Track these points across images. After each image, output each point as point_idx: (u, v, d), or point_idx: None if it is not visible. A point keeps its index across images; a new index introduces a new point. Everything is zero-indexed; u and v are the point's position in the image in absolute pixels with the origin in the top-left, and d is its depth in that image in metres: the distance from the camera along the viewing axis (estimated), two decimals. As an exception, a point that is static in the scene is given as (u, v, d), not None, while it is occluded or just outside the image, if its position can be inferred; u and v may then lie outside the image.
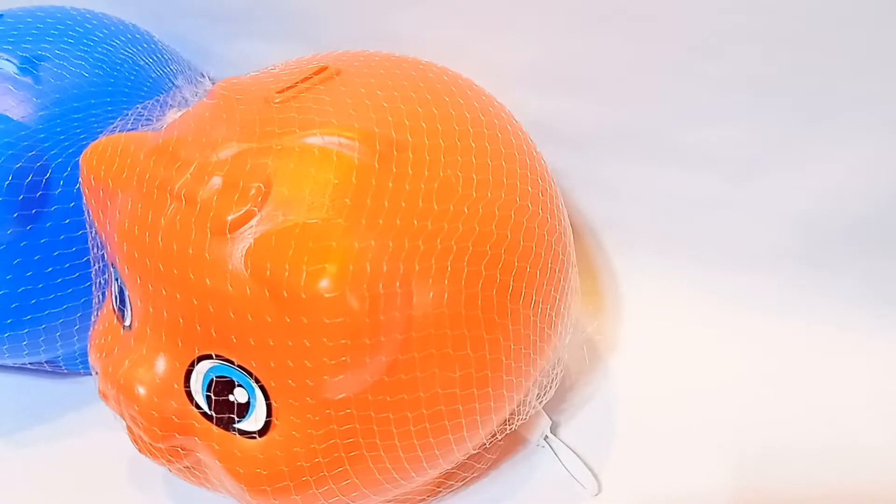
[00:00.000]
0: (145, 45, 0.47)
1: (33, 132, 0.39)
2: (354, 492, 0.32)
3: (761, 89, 0.42)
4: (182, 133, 0.33)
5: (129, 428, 0.33)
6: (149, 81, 0.45)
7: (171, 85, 0.46)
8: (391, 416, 0.31)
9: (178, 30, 0.54)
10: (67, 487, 0.43)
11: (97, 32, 0.45)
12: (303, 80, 0.34)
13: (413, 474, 0.33)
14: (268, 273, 0.27)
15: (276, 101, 0.33)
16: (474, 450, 0.35)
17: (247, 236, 0.29)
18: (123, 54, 0.45)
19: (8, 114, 0.39)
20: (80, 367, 0.47)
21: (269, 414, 0.30)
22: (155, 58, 0.46)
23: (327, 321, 0.27)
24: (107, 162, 0.33)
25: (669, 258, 0.48)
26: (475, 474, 0.40)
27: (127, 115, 0.43)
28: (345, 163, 0.30)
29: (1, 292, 0.40)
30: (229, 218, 0.29)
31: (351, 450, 0.31)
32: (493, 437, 0.36)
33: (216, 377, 0.30)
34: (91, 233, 0.37)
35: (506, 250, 0.32)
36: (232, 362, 0.30)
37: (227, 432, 0.31)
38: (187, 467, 0.33)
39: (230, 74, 0.50)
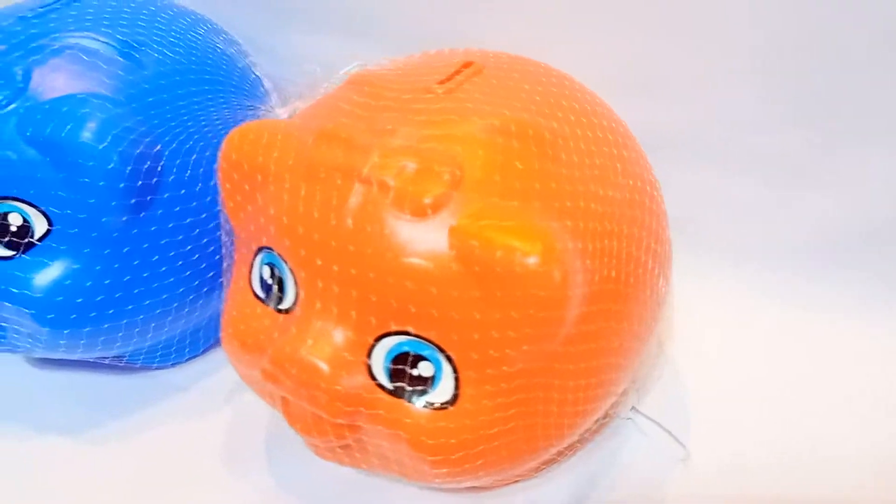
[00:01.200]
0: (223, 35, 0.46)
1: (147, 118, 0.39)
2: (517, 460, 0.34)
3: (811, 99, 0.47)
4: (346, 120, 0.34)
5: (290, 410, 0.34)
6: (237, 70, 0.45)
7: (254, 75, 0.47)
8: (556, 382, 0.33)
9: (228, 20, 0.53)
10: (146, 482, 0.42)
11: (182, 20, 0.45)
12: (456, 73, 0.35)
13: (563, 440, 0.35)
14: (476, 252, 0.29)
15: (440, 91, 0.34)
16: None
17: (446, 218, 0.30)
18: (211, 42, 0.45)
19: (121, 98, 0.38)
20: (145, 361, 0.47)
21: (456, 386, 0.32)
22: (234, 48, 0.46)
23: (532, 295, 0.29)
24: (264, 148, 0.34)
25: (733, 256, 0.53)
26: (575, 449, 0.42)
27: (231, 103, 0.43)
28: (525, 149, 0.32)
29: (107, 282, 0.39)
30: (427, 200, 0.30)
31: (524, 418, 0.33)
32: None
33: (404, 352, 0.32)
34: (221, 221, 0.37)
35: (645, 232, 0.36)
36: (420, 337, 0.31)
37: (410, 405, 0.32)
38: (346, 446, 0.34)
39: (279, 68, 0.51)
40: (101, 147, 0.36)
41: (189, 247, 0.41)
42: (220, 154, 0.36)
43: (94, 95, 0.38)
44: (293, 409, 0.34)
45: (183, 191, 0.40)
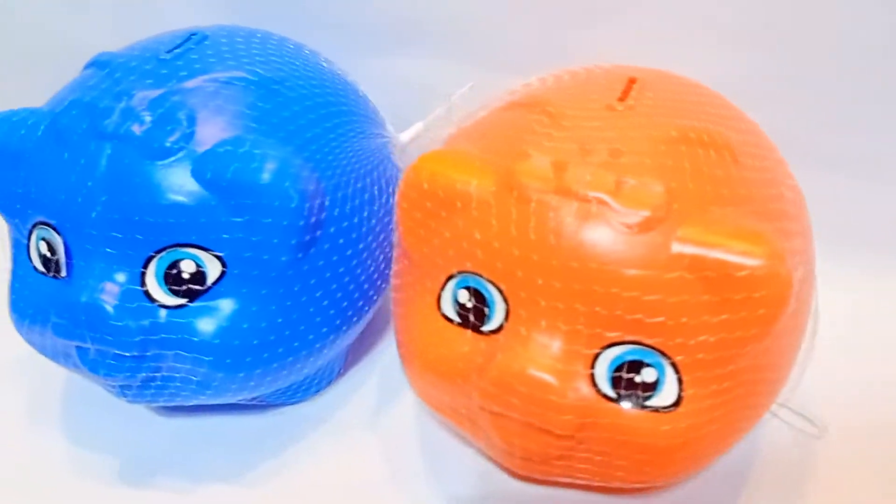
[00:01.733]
0: (336, 66, 0.46)
1: (309, 154, 0.39)
2: (721, 454, 0.36)
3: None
4: (538, 140, 0.35)
5: (507, 428, 0.34)
6: (361, 99, 0.45)
7: (371, 103, 0.47)
8: (760, 376, 0.35)
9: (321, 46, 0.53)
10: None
11: (303, 52, 0.44)
12: (628, 89, 0.37)
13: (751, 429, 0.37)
14: (708, 258, 0.31)
15: (621, 108, 0.36)
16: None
17: (666, 228, 0.32)
18: (334, 72, 0.45)
19: (283, 135, 0.38)
20: (282, 398, 0.46)
21: (680, 389, 0.33)
22: (349, 78, 0.46)
23: (760, 295, 0.31)
24: (462, 175, 0.34)
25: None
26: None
27: (365, 131, 0.43)
28: (717, 157, 0.34)
29: (279, 321, 0.38)
30: (650, 213, 0.32)
31: (735, 413, 0.34)
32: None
33: (627, 361, 0.33)
34: (396, 253, 0.38)
35: (808, 228, 0.38)
36: (644, 345, 0.33)
37: (634, 411, 0.33)
38: (561, 456, 0.35)
39: (372, 90, 0.51)
40: (284, 186, 0.35)
41: (347, 278, 0.41)
42: (403, 184, 0.36)
43: (262, 134, 0.38)
44: (510, 426, 0.35)
45: (345, 223, 0.40)
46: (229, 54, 0.41)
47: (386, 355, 0.51)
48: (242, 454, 0.45)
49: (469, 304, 0.35)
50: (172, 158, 0.36)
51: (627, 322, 0.32)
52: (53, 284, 0.38)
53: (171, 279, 0.37)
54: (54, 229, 0.37)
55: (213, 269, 0.37)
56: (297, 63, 0.43)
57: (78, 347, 0.38)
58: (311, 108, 0.40)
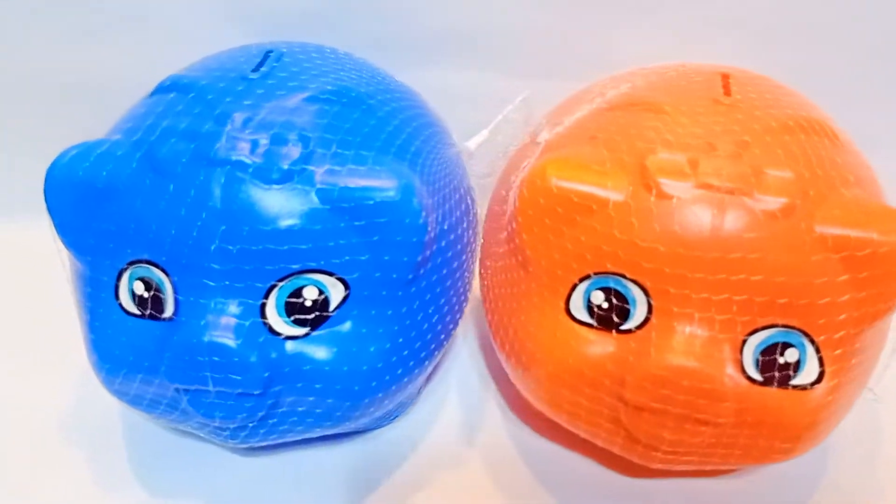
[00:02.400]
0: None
1: (419, 168, 0.38)
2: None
3: None
4: (653, 137, 0.36)
5: (658, 430, 0.35)
6: (429, 108, 0.44)
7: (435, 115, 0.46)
8: (874, 348, 0.37)
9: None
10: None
11: (371, 66, 0.43)
12: (727, 85, 0.38)
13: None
14: (851, 238, 0.33)
15: (727, 101, 0.37)
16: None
17: (803, 213, 0.33)
18: (403, 85, 0.44)
19: (393, 151, 0.37)
20: (373, 424, 0.45)
21: (820, 365, 0.35)
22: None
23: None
24: (594, 178, 0.35)
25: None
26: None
27: (442, 142, 0.42)
28: (831, 143, 0.36)
29: (400, 340, 0.37)
30: (789, 201, 0.33)
31: (858, 385, 0.36)
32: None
33: (772, 344, 0.34)
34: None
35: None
36: (788, 327, 0.34)
37: (779, 391, 0.34)
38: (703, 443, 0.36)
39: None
40: (412, 202, 0.34)
41: (451, 292, 0.40)
42: (528, 191, 0.36)
43: (377, 151, 0.36)
44: (663, 420, 0.35)
45: (452, 236, 0.39)
46: (314, 71, 0.39)
47: (457, 368, 0.50)
48: (347, 486, 0.43)
49: (606, 305, 0.36)
50: (292, 182, 0.34)
51: (775, 306, 0.34)
52: (156, 327, 0.35)
53: (292, 308, 0.35)
54: (158, 266, 0.35)
55: (336, 294, 0.36)
56: (375, 77, 0.41)
57: (191, 392, 0.35)
58: (406, 123, 0.40)
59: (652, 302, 0.35)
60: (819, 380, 0.35)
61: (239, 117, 0.35)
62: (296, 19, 0.54)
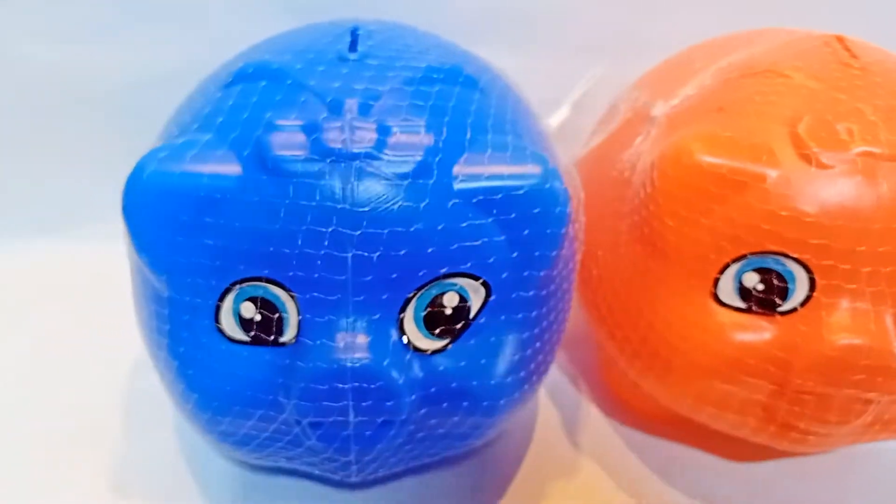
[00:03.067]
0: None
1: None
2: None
3: None
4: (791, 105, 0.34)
5: (823, 414, 0.33)
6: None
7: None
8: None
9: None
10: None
11: (452, 43, 0.39)
12: (845, 48, 0.36)
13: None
14: None
15: (857, 65, 0.35)
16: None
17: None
18: (487, 62, 0.40)
19: (523, 134, 0.33)
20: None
21: None
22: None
23: None
24: (748, 150, 0.32)
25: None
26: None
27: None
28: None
29: (537, 345, 0.33)
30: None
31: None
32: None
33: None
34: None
35: None
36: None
37: None
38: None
39: None
40: (561, 190, 0.31)
41: (572, 289, 0.37)
42: (672, 169, 0.33)
43: (514, 136, 0.32)
44: (831, 403, 0.33)
45: (576, 225, 0.36)
46: (414, 48, 0.34)
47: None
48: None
49: (762, 287, 0.33)
50: (430, 174, 0.30)
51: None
52: (272, 354, 0.30)
53: (432, 319, 0.31)
54: (276, 284, 0.30)
55: (476, 300, 0.31)
56: (466, 54, 0.37)
57: (324, 426, 0.30)
58: (515, 104, 0.36)
59: (815, 279, 0.33)
60: None
61: (353, 104, 0.31)
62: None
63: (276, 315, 0.30)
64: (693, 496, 0.40)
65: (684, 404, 0.37)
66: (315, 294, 0.29)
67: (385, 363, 0.29)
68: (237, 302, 0.30)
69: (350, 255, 0.29)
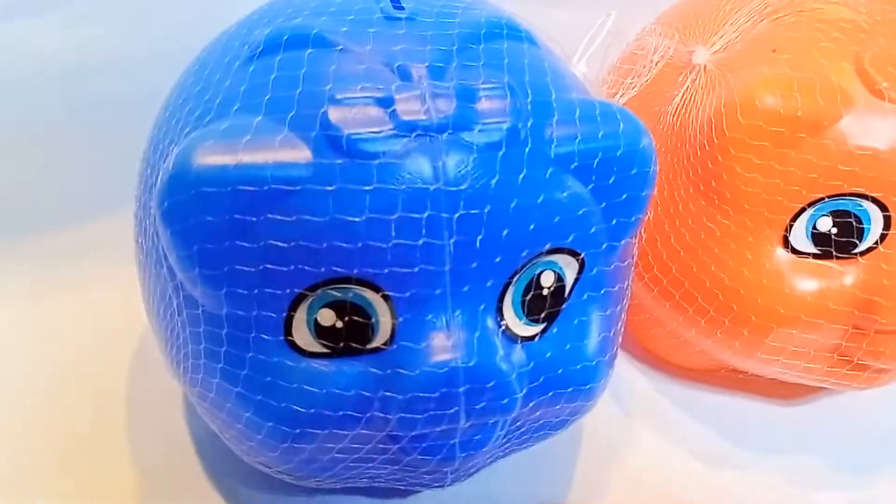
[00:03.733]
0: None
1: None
2: None
3: None
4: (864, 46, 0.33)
5: (891, 353, 0.33)
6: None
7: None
8: None
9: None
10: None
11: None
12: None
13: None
14: None
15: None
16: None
17: None
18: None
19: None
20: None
21: None
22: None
23: None
24: (819, 91, 0.31)
25: None
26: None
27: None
28: None
29: (620, 323, 0.31)
30: None
31: None
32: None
33: None
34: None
35: None
36: None
37: None
38: None
39: None
40: (652, 147, 0.28)
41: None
42: (743, 114, 0.31)
43: (582, 94, 0.29)
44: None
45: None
46: (457, 4, 0.30)
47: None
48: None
49: (836, 230, 0.33)
50: (523, 142, 0.26)
51: None
52: (363, 365, 0.26)
53: (531, 302, 0.28)
54: (363, 283, 0.25)
55: (570, 276, 0.29)
56: (496, 7, 0.34)
57: (424, 437, 0.27)
58: (558, 59, 0.33)
59: (892, 216, 0.32)
60: None
61: (422, 69, 0.26)
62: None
63: (369, 320, 0.26)
64: (745, 444, 0.40)
65: (753, 358, 0.36)
66: (414, 291, 0.25)
67: (497, 359, 0.26)
68: (313, 310, 0.26)
69: (452, 241, 0.25)
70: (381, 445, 0.28)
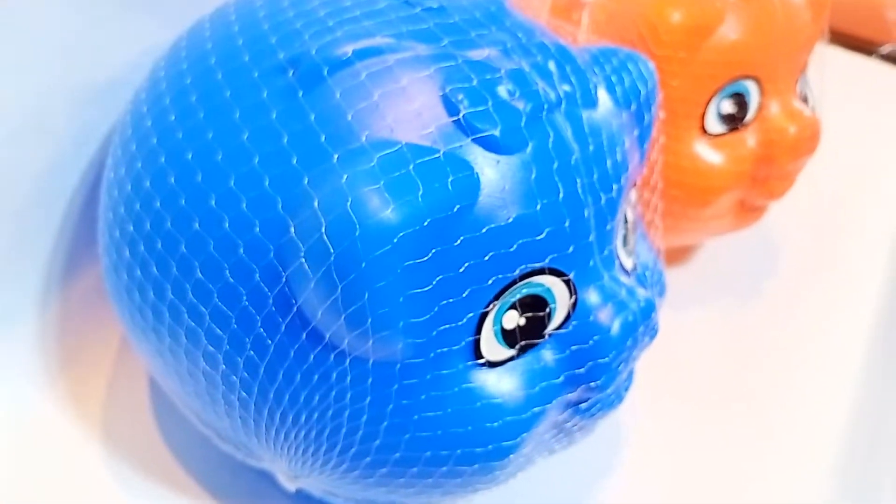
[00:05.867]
0: None
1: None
2: None
3: None
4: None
5: (781, 191, 0.43)
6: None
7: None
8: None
9: None
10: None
11: None
12: None
13: None
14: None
15: None
16: None
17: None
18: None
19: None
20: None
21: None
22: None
23: None
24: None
25: None
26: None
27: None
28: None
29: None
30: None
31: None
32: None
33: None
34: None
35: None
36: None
37: None
38: None
39: None
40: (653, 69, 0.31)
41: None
42: (663, 30, 0.37)
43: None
44: (791, 176, 0.42)
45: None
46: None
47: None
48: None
49: (735, 109, 0.40)
50: (597, 97, 0.27)
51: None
52: (549, 351, 0.26)
53: (625, 239, 0.30)
54: (545, 272, 0.25)
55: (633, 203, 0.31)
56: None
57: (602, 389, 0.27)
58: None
59: (762, 88, 0.41)
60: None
61: (495, 53, 0.26)
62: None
63: (545, 309, 0.26)
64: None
65: (689, 230, 0.43)
66: (581, 266, 0.26)
67: (645, 293, 0.28)
68: (499, 318, 0.25)
69: (605, 200, 0.26)
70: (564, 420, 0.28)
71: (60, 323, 0.39)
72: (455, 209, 0.22)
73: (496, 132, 0.24)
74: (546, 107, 0.25)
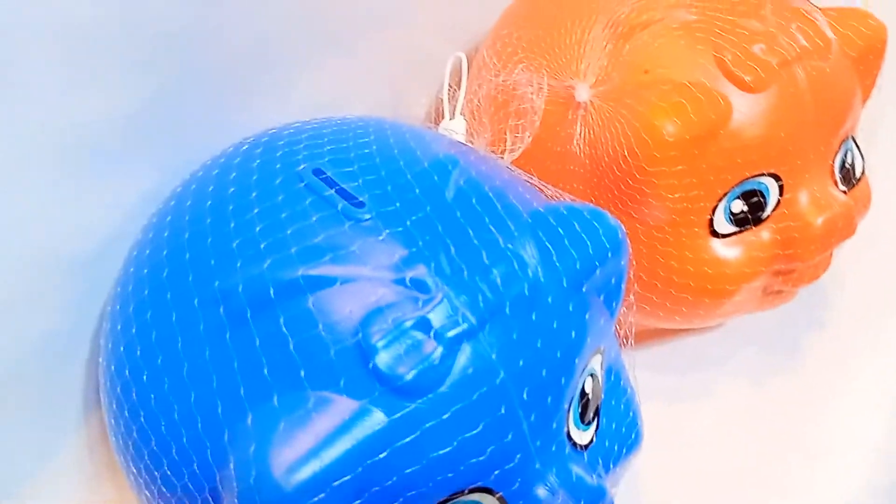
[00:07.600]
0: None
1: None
2: None
3: None
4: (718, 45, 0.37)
5: (805, 280, 0.40)
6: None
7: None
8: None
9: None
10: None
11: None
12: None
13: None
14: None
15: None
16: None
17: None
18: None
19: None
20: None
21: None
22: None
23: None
24: (705, 101, 0.35)
25: None
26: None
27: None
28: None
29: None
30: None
31: None
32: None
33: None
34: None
35: None
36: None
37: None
38: None
39: None
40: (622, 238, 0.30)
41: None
42: (652, 140, 0.35)
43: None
44: (815, 267, 0.39)
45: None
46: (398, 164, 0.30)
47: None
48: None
49: (746, 208, 0.37)
50: (548, 292, 0.27)
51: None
52: None
53: (582, 414, 0.30)
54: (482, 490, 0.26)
55: (600, 371, 0.31)
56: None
57: None
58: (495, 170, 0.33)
59: (782, 182, 0.37)
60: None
61: (422, 270, 0.26)
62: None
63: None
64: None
65: (705, 319, 0.42)
66: (533, 466, 0.26)
67: (597, 484, 0.28)
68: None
69: (531, 418, 0.26)
70: None
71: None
72: (358, 470, 0.23)
73: (408, 376, 0.24)
74: (466, 334, 0.25)
